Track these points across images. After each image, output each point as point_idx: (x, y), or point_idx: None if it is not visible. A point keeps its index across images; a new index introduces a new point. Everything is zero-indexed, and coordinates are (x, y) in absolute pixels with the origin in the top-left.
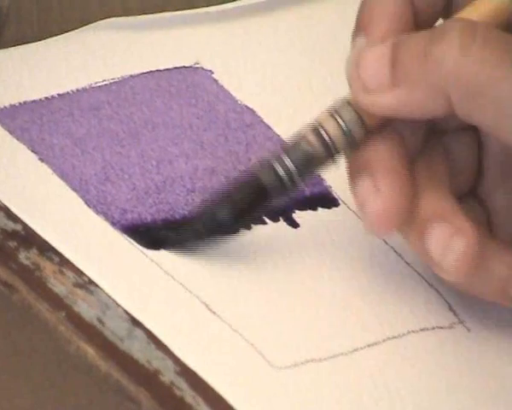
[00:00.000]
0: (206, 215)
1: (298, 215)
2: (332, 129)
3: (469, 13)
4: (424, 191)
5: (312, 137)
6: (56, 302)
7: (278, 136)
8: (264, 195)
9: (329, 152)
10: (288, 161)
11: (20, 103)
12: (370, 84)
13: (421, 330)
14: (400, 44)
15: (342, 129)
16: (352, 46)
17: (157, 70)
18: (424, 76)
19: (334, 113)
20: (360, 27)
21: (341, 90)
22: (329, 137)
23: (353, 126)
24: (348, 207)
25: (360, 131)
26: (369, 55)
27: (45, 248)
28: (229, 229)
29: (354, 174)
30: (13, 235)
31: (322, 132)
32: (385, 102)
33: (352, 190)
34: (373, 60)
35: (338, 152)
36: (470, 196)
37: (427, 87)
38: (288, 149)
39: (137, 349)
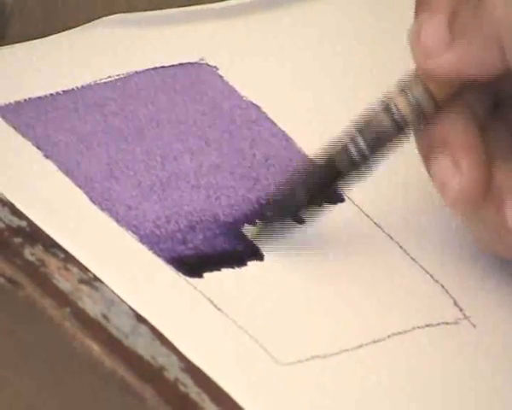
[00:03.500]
0: (283, 198)
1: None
2: (402, 105)
3: None
4: (498, 164)
5: (383, 115)
6: (61, 299)
7: (283, 132)
8: (338, 175)
9: (400, 128)
10: (360, 141)
11: (24, 100)
12: (430, 48)
13: (427, 325)
14: (457, 6)
15: (412, 104)
16: (415, 21)
17: (162, 66)
18: (478, 28)
19: (403, 89)
20: (420, 5)
21: (346, 86)
22: (400, 114)
23: (423, 102)
24: (353, 203)
25: (430, 106)
26: (428, 22)
27: (50, 245)
28: (304, 210)
29: (429, 151)
30: (18, 231)
31: (393, 109)
32: (445, 62)
33: (429, 168)
34: (432, 25)
35: (409, 128)
36: None
37: (483, 39)
38: (360, 128)
39: (142, 346)
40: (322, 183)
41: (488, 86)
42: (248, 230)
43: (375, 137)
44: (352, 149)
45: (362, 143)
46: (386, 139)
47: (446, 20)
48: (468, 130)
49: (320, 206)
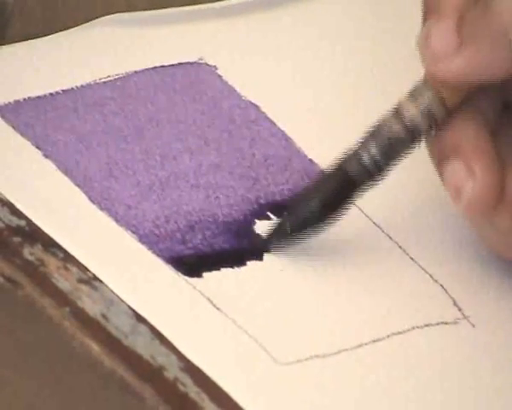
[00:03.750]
0: (296, 209)
1: None
2: (413, 112)
3: None
4: (510, 168)
5: (394, 123)
6: (60, 298)
7: (282, 132)
8: (351, 185)
9: (412, 135)
10: (372, 149)
11: (24, 99)
12: (439, 53)
13: (426, 325)
14: (465, 10)
15: (423, 111)
16: (423, 26)
17: (161, 66)
18: (487, 31)
19: (413, 95)
20: (428, 10)
21: (346, 86)
22: (411, 121)
23: (434, 107)
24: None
25: (441, 112)
26: (436, 27)
27: (49, 244)
28: (318, 221)
29: (441, 157)
30: (17, 231)
31: (404, 116)
32: (454, 65)
33: (441, 174)
34: (441, 30)
35: (420, 134)
36: None
37: (491, 42)
38: (371, 136)
39: (141, 345)
40: (335, 192)
41: (497, 89)
42: (264, 242)
43: (387, 145)
44: (365, 157)
45: (374, 151)
46: (399, 146)
47: (454, 24)
48: (479, 135)
49: (310, 225)
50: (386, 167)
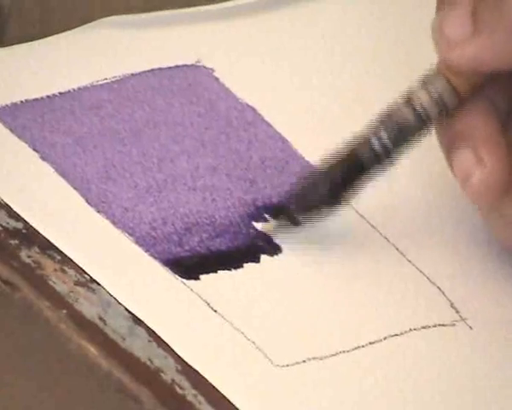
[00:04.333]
0: (306, 190)
1: None
2: (424, 99)
3: None
4: None
5: (405, 109)
6: (58, 301)
7: (279, 134)
8: (360, 168)
9: (423, 123)
10: (382, 135)
11: (21, 102)
12: (453, 38)
13: (423, 327)
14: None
15: (434, 99)
16: (437, 14)
17: (158, 68)
18: (501, 19)
19: (425, 83)
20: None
21: (343, 89)
22: (422, 108)
23: (445, 95)
24: (350, 206)
25: (452, 100)
26: (451, 14)
27: (47, 247)
28: (327, 203)
29: (451, 145)
30: (14, 233)
31: (415, 103)
32: (468, 52)
33: (450, 162)
34: (455, 17)
35: (430, 122)
36: None
37: (506, 30)
38: (383, 122)
39: (139, 348)
40: (344, 176)
41: (509, 78)
42: (265, 225)
43: (397, 131)
44: (375, 143)
45: (384, 137)
46: (409, 133)
47: (469, 12)
48: (489, 123)
49: (318, 209)
50: (395, 153)
